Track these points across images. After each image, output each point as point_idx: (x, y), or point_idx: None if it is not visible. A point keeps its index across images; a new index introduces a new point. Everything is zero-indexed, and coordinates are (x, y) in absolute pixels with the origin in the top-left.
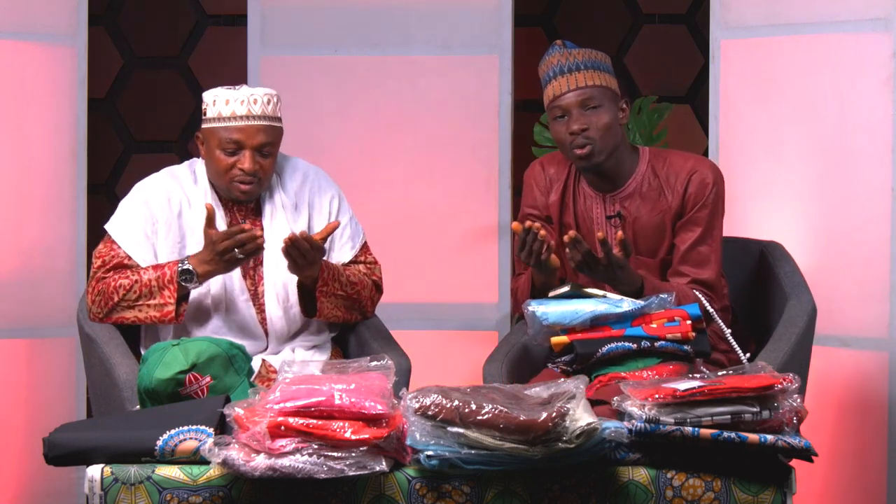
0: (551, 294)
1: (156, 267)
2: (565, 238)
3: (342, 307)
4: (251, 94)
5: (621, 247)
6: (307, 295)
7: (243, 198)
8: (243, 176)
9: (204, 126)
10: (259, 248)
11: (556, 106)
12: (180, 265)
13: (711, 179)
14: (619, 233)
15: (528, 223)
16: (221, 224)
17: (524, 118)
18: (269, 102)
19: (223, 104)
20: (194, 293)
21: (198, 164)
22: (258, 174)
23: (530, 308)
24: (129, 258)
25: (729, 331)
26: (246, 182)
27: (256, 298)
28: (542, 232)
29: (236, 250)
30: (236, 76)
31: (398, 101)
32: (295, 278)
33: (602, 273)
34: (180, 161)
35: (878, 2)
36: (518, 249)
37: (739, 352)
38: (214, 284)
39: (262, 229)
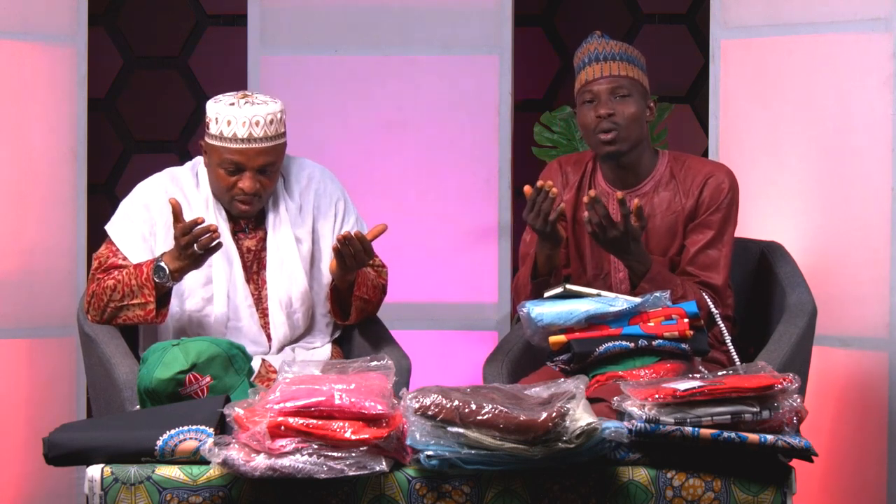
0: (546, 294)
1: (137, 266)
2: (584, 198)
3: (360, 309)
4: (253, 116)
5: (637, 215)
6: (339, 300)
7: (243, 215)
8: (244, 196)
9: (206, 139)
10: (216, 243)
11: (587, 91)
12: (155, 262)
13: (727, 185)
14: (636, 200)
15: (540, 182)
16: (189, 217)
17: (524, 118)
18: (271, 122)
19: (225, 124)
20: (196, 299)
21: (200, 166)
22: (259, 192)
23: (524, 309)
24: (126, 259)
25: (729, 337)
26: (246, 202)
27: (260, 304)
28: (555, 190)
29: (195, 246)
30: (236, 76)
31: (398, 101)
32: (300, 286)
33: (616, 242)
34: (180, 161)
35: (878, 2)
36: (526, 211)
37: (737, 360)
38: (218, 291)
39: (263, 229)
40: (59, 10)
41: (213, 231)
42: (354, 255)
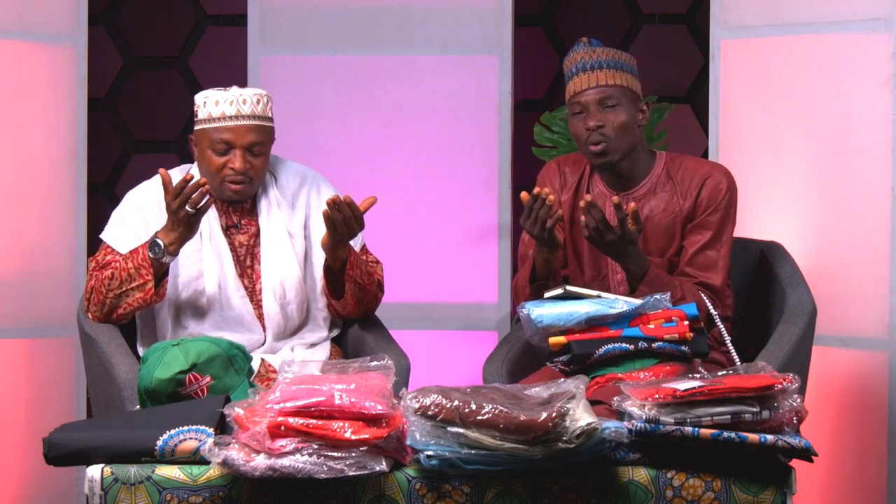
0: (546, 295)
1: (131, 251)
2: (581, 203)
3: (357, 297)
4: (240, 95)
5: (633, 219)
6: (333, 280)
7: (235, 197)
8: (234, 175)
9: (196, 128)
10: (207, 200)
11: (576, 102)
12: (150, 240)
13: (725, 185)
14: (632, 203)
15: (537, 189)
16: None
17: (524, 118)
18: (258, 102)
19: (213, 105)
20: (190, 291)
21: (192, 170)
22: (249, 173)
23: (525, 310)
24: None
25: (729, 338)
26: (237, 182)
27: (254, 295)
28: (552, 197)
29: (187, 207)
30: (236, 76)
31: (398, 101)
32: (293, 276)
33: (613, 246)
34: (180, 161)
35: (878, 2)
36: (523, 218)
37: (737, 360)
38: (209, 283)
39: (256, 225)
40: (59, 10)
41: (202, 185)
42: (345, 221)
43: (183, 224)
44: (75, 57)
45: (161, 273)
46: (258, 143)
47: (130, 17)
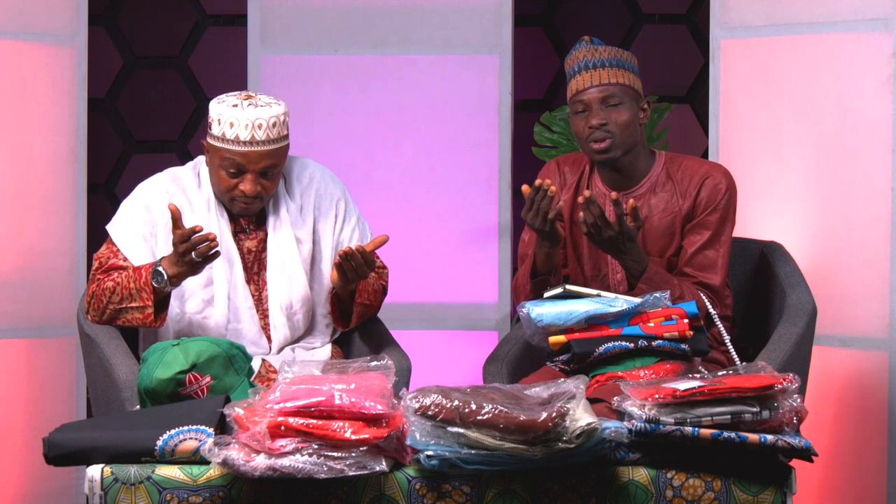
0: (546, 294)
1: (136, 269)
2: (580, 199)
3: (362, 315)
4: (256, 119)
5: (632, 216)
6: (340, 305)
7: (243, 213)
8: (244, 197)
9: (209, 139)
10: (214, 251)
11: (578, 100)
12: (154, 266)
13: (725, 185)
14: (631, 200)
15: (538, 181)
16: (189, 224)
17: (524, 118)
18: (274, 125)
19: (227, 126)
20: (197, 300)
21: (202, 166)
22: (260, 194)
23: (524, 310)
24: (126, 260)
25: (728, 337)
26: (247, 202)
27: (260, 305)
28: (553, 188)
29: (193, 253)
30: (236, 76)
31: (398, 101)
32: (300, 288)
33: (611, 242)
34: (180, 161)
35: (878, 2)
36: (525, 210)
37: (737, 359)
38: (218, 293)
39: (264, 230)
40: (59, 10)
41: (211, 240)
42: (356, 268)
43: (188, 265)
44: (75, 57)
45: (163, 296)
46: (271, 166)
47: (130, 17)
